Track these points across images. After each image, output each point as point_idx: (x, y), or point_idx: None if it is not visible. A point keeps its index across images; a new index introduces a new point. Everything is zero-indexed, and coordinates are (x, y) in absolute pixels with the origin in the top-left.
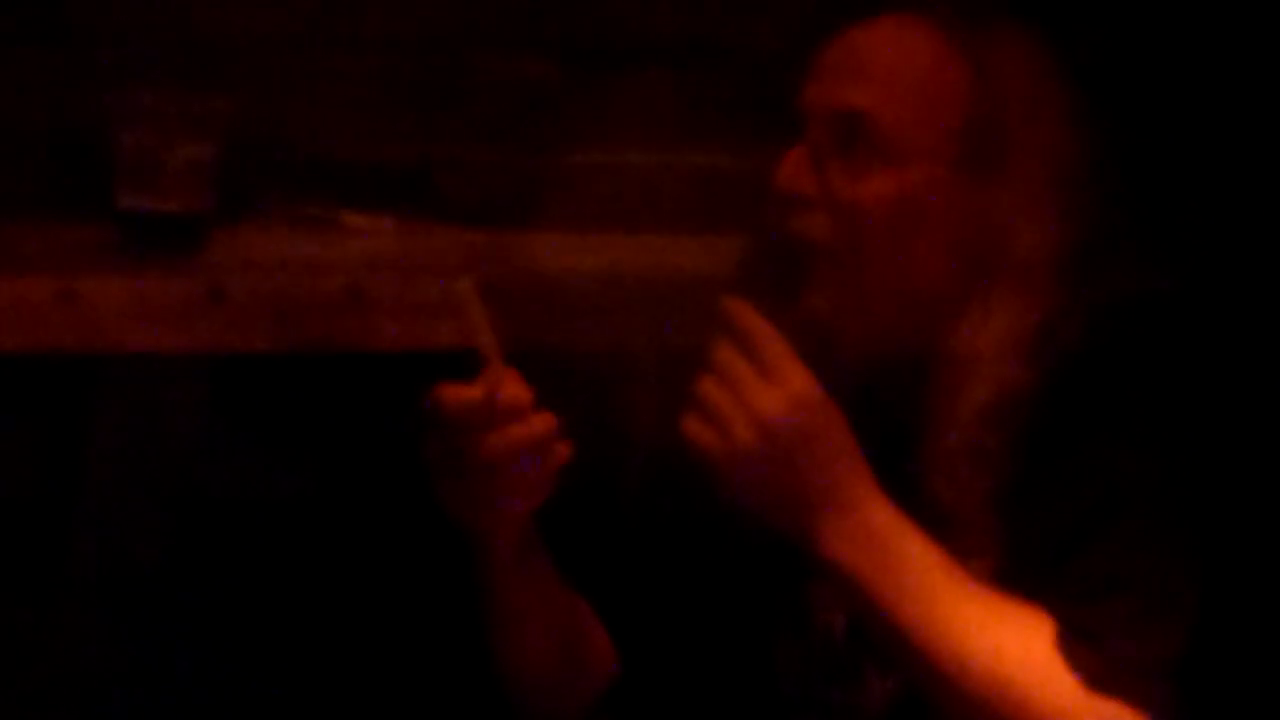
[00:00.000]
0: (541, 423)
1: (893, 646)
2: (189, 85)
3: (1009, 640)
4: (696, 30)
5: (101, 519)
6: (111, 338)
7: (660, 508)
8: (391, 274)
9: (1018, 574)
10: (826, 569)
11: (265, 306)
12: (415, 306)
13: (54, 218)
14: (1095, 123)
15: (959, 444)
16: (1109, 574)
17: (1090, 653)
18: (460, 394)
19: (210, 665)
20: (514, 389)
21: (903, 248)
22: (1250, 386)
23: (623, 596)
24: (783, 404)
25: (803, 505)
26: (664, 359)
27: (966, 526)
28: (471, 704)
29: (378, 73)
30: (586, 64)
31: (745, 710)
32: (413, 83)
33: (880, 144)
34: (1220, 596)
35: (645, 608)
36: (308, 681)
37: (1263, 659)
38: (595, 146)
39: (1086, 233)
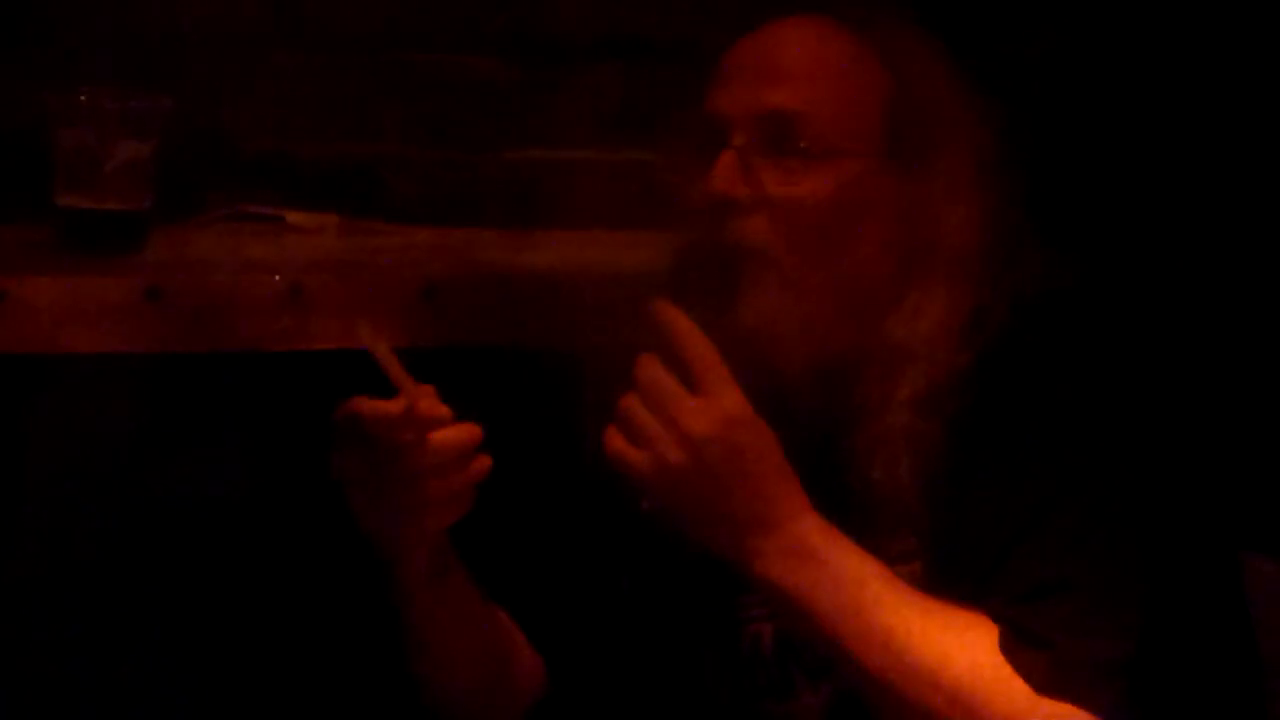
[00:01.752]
0: (463, 432)
1: (837, 660)
2: (128, 83)
3: (954, 647)
4: (643, 27)
5: (37, 519)
6: (48, 338)
7: (588, 515)
8: (334, 273)
9: (958, 572)
10: (761, 587)
11: (204, 306)
12: (357, 306)
13: None
14: (1004, 119)
15: (892, 430)
16: (1052, 572)
17: (1037, 655)
18: (378, 407)
19: (149, 666)
20: (432, 403)
21: (840, 243)
22: (1187, 375)
23: (550, 607)
24: (711, 422)
25: (733, 525)
26: (610, 358)
27: (896, 518)
28: (396, 713)
29: (321, 70)
30: (533, 61)
31: None
32: (358, 80)
33: (811, 142)
34: (1168, 592)
35: (573, 619)
36: (244, 681)
37: (1211, 655)
38: (542, 144)
39: (1010, 222)
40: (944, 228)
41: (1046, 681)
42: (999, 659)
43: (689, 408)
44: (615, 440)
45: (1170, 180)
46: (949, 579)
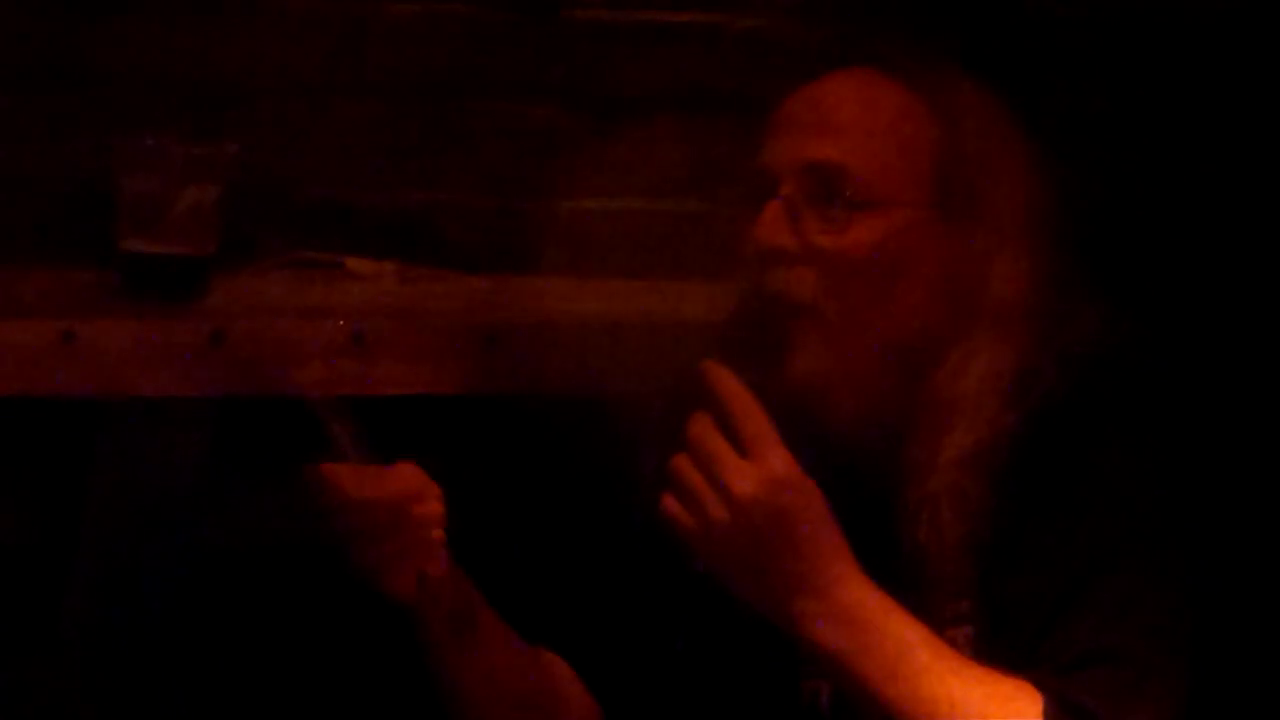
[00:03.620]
0: (396, 482)
1: None
2: (193, 129)
3: (998, 716)
4: (700, 77)
5: (102, 563)
6: (113, 381)
7: (645, 574)
8: (395, 319)
9: (1002, 637)
10: (809, 649)
11: (267, 350)
12: (417, 351)
13: (56, 260)
14: (1057, 172)
15: (940, 487)
16: (1098, 642)
17: None
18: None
19: (207, 708)
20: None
21: (886, 295)
22: (1234, 437)
23: (609, 660)
24: (758, 483)
25: (780, 587)
26: (667, 410)
27: (946, 579)
28: None
29: (382, 118)
30: (591, 110)
31: None
32: (417, 128)
33: (856, 192)
34: (1215, 657)
35: (629, 678)
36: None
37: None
38: (599, 193)
39: (1060, 276)
40: (992, 281)
41: None
42: None
43: (736, 469)
44: (667, 500)
45: (1227, 237)
46: (1000, 643)
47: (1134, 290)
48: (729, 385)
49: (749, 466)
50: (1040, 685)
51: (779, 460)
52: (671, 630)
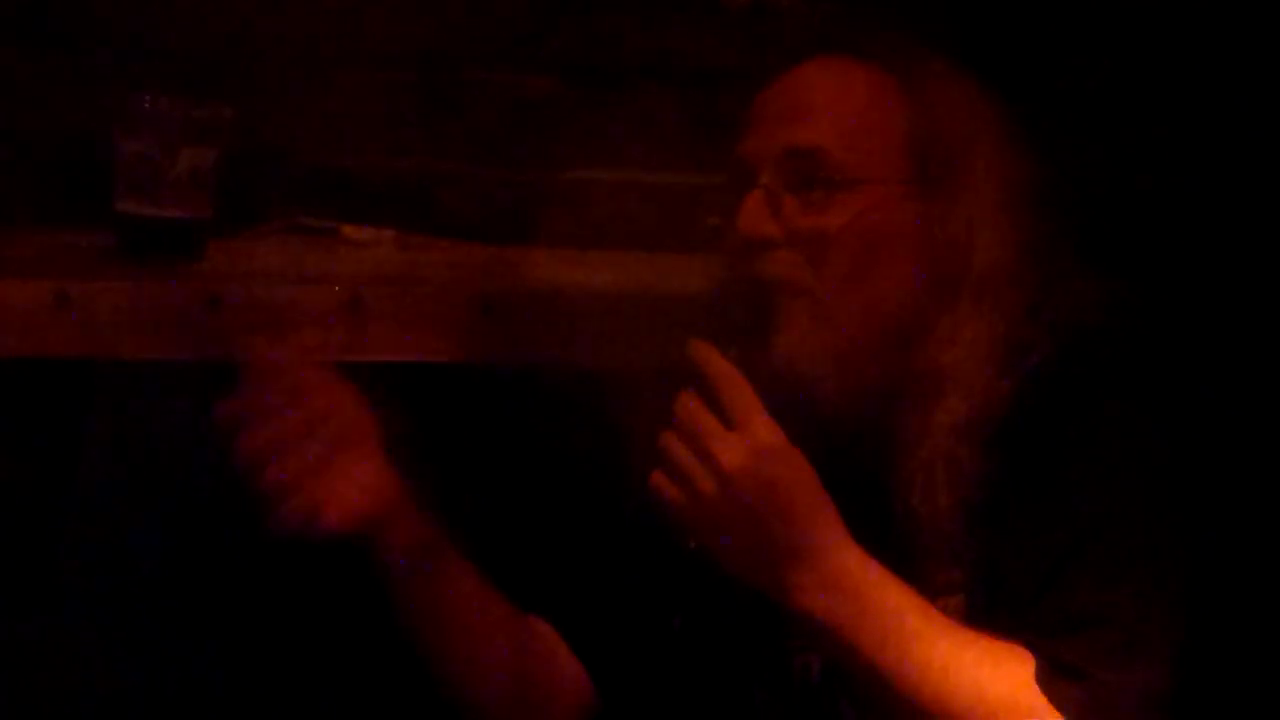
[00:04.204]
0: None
1: (874, 692)
2: (191, 92)
3: (990, 678)
4: (696, 49)
5: (96, 524)
6: (108, 343)
7: (645, 540)
8: (392, 286)
9: (996, 604)
10: (800, 619)
11: (262, 315)
12: (413, 318)
13: (52, 222)
14: (1036, 145)
15: (932, 456)
16: (1090, 605)
17: (1073, 687)
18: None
19: (205, 667)
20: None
21: (870, 271)
22: (1227, 402)
23: (600, 631)
24: (746, 456)
25: (770, 558)
26: (662, 378)
27: (939, 549)
28: None
29: (380, 86)
30: (588, 80)
31: None
32: (415, 96)
33: (834, 173)
34: (1209, 621)
35: (625, 649)
36: (301, 682)
37: (1253, 687)
38: (596, 163)
39: (1042, 245)
40: (974, 252)
41: (1082, 713)
42: (1035, 691)
43: (723, 442)
44: (656, 477)
45: (1221, 208)
46: (993, 610)
47: (1129, 261)
48: (714, 362)
49: (736, 438)
50: (1032, 647)
51: (766, 431)
52: (665, 607)
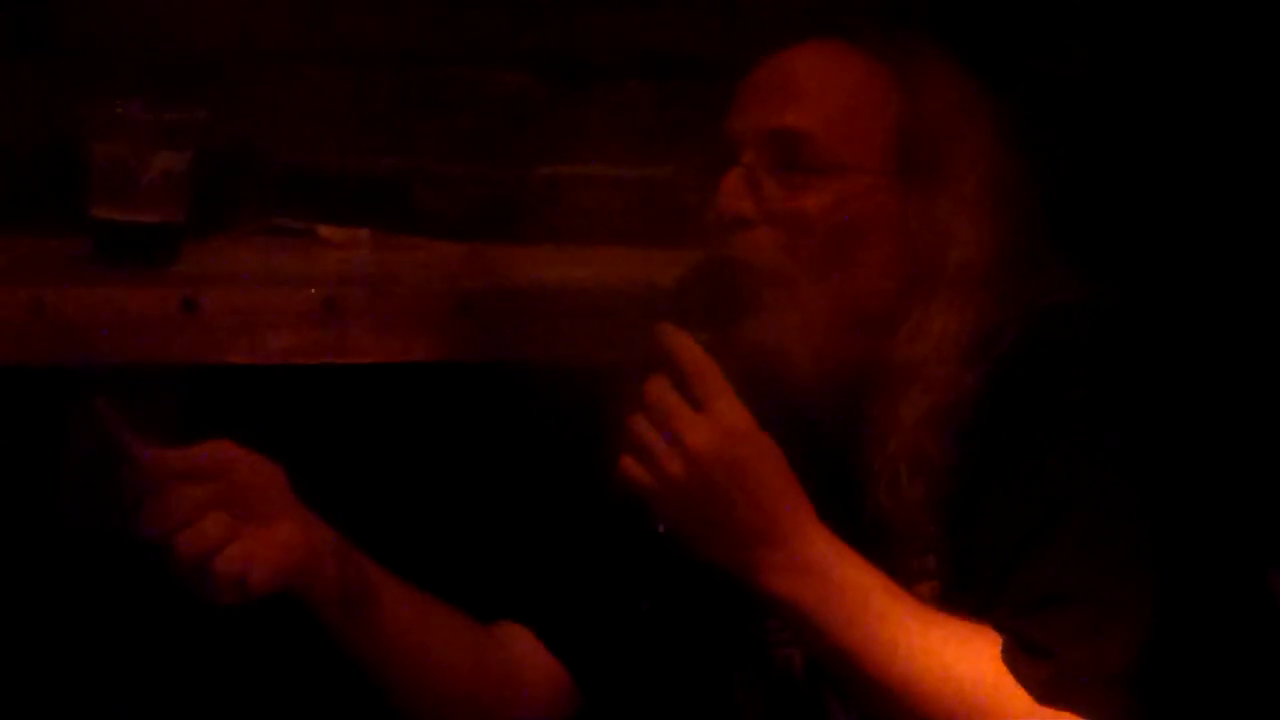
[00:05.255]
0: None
1: (842, 674)
2: (164, 96)
3: (956, 658)
4: (673, 43)
5: (73, 530)
6: (84, 349)
7: (608, 536)
8: (368, 287)
9: (963, 588)
10: (769, 602)
11: (238, 318)
12: (390, 319)
13: (27, 228)
14: (1020, 138)
15: (899, 449)
16: (1056, 584)
17: (1038, 665)
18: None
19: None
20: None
21: (845, 258)
22: (1192, 388)
23: (572, 619)
24: (713, 437)
25: (739, 540)
26: (635, 375)
27: (910, 538)
28: None
29: (355, 85)
30: (565, 76)
31: None
32: (390, 95)
33: (816, 158)
34: (1175, 602)
35: (595, 632)
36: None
37: (1219, 665)
38: (574, 159)
39: (1019, 239)
40: (952, 246)
41: (1046, 691)
42: (1001, 669)
43: (690, 423)
44: (625, 459)
45: (1197, 197)
46: (965, 596)
47: (1107, 256)
48: (682, 345)
49: (703, 420)
50: (999, 626)
51: (733, 413)
52: (634, 591)
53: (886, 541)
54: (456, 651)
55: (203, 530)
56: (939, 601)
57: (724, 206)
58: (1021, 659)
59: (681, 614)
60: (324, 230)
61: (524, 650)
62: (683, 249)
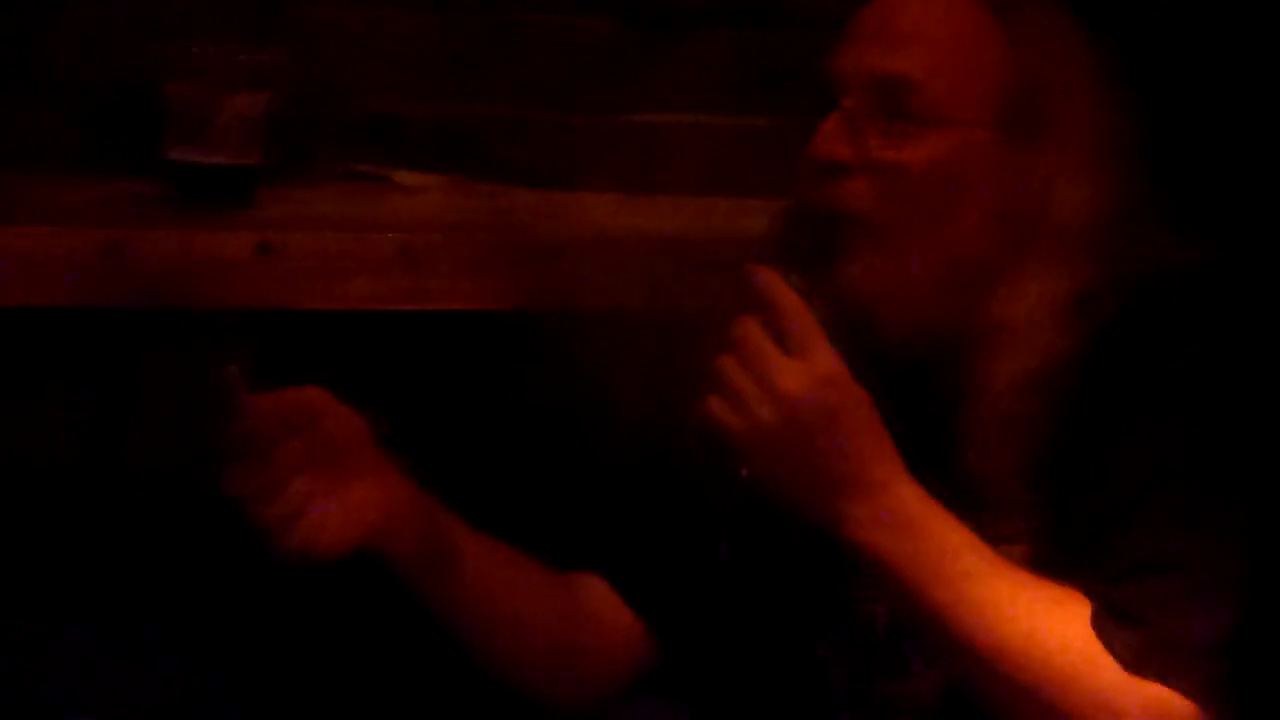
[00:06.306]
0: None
1: (927, 630)
2: (241, 38)
3: (1045, 622)
4: None
5: (148, 476)
6: (158, 292)
7: (701, 487)
8: (443, 233)
9: (1057, 554)
10: (855, 555)
11: (314, 262)
12: (466, 265)
13: (102, 170)
14: (1132, 95)
15: (994, 413)
16: (1152, 552)
17: (1129, 633)
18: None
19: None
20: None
21: (943, 213)
22: None
23: (662, 586)
24: (805, 382)
25: (827, 488)
26: (716, 322)
27: (1001, 500)
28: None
29: (433, 30)
30: (644, 24)
31: (793, 703)
32: (469, 40)
33: (922, 109)
34: (1272, 581)
35: (685, 598)
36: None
37: None
38: (652, 108)
39: (1125, 201)
40: (1054, 206)
41: (1137, 660)
42: (1090, 635)
43: (782, 367)
44: (711, 401)
45: None
46: (1055, 561)
47: (1217, 220)
48: (775, 287)
49: (796, 365)
50: (1090, 592)
51: (826, 359)
52: (713, 535)
53: (976, 502)
54: (537, 607)
55: (287, 496)
56: (1028, 565)
57: (821, 150)
58: (1112, 626)
59: (761, 564)
60: (400, 176)
61: (601, 602)
62: (763, 199)
